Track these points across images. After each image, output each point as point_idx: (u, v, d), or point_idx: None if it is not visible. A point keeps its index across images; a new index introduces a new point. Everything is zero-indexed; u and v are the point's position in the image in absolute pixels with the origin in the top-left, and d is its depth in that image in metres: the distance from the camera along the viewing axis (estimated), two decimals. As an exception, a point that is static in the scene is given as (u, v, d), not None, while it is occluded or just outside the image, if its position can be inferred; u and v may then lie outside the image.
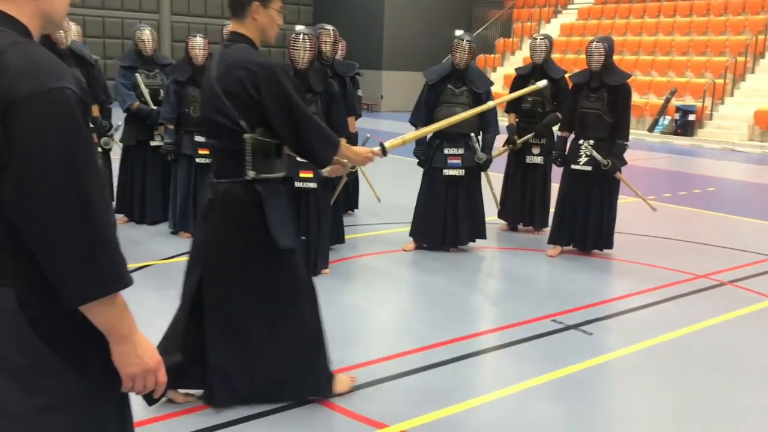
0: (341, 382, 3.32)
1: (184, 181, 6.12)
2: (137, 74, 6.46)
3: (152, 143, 6.50)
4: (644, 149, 14.65)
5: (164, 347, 2.99)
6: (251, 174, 2.96)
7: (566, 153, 5.95)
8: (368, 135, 6.50)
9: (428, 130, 4.28)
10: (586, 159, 5.75)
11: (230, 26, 3.06)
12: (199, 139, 6.09)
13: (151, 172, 6.56)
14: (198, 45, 6.09)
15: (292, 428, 3.06)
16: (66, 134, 1.36)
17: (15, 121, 1.33)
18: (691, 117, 16.13)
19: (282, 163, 3.12)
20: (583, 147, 5.78)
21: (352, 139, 5.60)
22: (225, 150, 2.99)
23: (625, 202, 7.20)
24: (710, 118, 16.34)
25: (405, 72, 20.74)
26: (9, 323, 1.43)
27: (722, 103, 16.55)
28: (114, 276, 1.43)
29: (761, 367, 3.90)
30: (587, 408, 3.42)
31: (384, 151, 3.32)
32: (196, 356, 3.07)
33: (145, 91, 6.41)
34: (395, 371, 3.66)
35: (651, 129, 16.68)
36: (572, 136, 5.98)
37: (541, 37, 6.56)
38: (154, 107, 6.37)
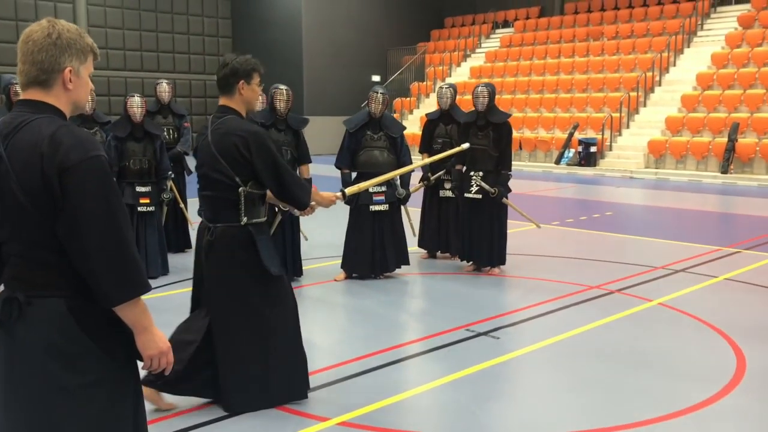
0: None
1: (128, 228, 6.59)
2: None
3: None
4: (552, 180, 15.84)
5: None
6: (245, 219, 3.67)
7: (461, 183, 6.90)
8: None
9: (384, 178, 4.96)
10: (477, 188, 6.69)
11: (220, 101, 3.74)
12: (139, 189, 6.64)
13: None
14: (136, 103, 6.65)
15: (250, 428, 3.63)
16: (103, 187, 1.97)
17: (69, 180, 1.92)
18: (593, 149, 17.49)
19: (265, 209, 3.83)
20: (473, 178, 6.68)
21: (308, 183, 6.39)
22: (221, 199, 3.67)
23: (528, 228, 8.08)
24: (610, 148, 17.76)
25: (327, 117, 21.55)
26: (61, 323, 2.01)
27: (620, 134, 18.02)
28: (138, 284, 2.03)
29: (642, 356, 4.71)
30: (493, 393, 4.14)
31: (344, 196, 4.06)
32: (194, 368, 3.67)
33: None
34: (335, 377, 4.29)
35: (557, 161, 17.97)
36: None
37: (446, 86, 7.43)
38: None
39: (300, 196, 3.71)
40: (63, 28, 2.01)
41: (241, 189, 3.63)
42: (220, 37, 24.49)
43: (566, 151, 17.98)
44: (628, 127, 18.16)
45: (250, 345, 3.74)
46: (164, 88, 8.16)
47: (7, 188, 1.94)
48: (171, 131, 8.12)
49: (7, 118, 2.01)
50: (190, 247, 7.90)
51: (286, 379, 3.84)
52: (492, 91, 6.71)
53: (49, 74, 2.00)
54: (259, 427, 3.64)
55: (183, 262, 7.29)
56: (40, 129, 1.94)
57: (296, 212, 4.16)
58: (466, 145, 5.74)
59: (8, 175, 1.92)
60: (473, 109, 6.85)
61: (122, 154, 6.64)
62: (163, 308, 5.69)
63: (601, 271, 7.01)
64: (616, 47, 20.54)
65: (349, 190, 4.14)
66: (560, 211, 11.21)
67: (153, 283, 6.46)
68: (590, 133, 18.11)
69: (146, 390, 3.48)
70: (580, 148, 17.63)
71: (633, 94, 18.27)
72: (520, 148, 18.82)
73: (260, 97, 3.74)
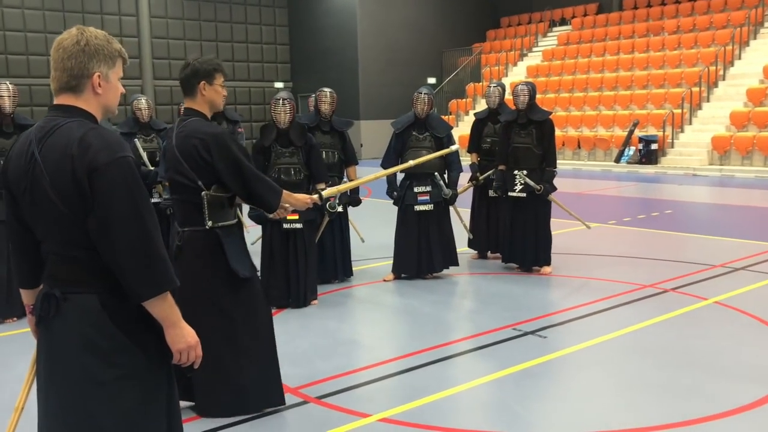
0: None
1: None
2: (135, 140, 7.18)
3: (152, 200, 7.17)
4: (611, 179, 15.52)
5: None
6: (209, 223, 3.61)
7: (504, 183, 6.83)
8: (346, 179, 7.22)
9: (361, 181, 4.61)
10: (521, 186, 6.63)
11: (184, 103, 3.70)
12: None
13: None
14: (190, 110, 6.84)
15: (296, 424, 3.70)
16: (130, 188, 2.05)
17: (97, 180, 2.00)
18: (654, 146, 17.07)
19: (234, 211, 3.75)
20: (517, 176, 6.62)
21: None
22: (187, 203, 3.62)
23: (579, 228, 7.96)
24: (672, 146, 17.29)
25: (382, 120, 21.63)
26: (95, 319, 2.10)
27: (682, 131, 17.53)
28: (166, 280, 2.11)
29: (694, 355, 4.59)
30: (538, 392, 4.10)
31: (321, 198, 3.92)
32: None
33: (144, 155, 7.12)
34: (378, 375, 4.33)
35: (617, 160, 17.60)
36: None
37: (495, 84, 7.40)
38: (152, 168, 7.08)
39: (267, 198, 3.58)
40: (91, 35, 2.11)
41: (204, 193, 3.55)
42: (277, 45, 24.92)
43: (626, 149, 17.60)
44: (690, 123, 17.65)
45: (221, 348, 3.63)
46: (218, 95, 8.36)
47: (41, 189, 2.04)
48: (225, 137, 8.30)
49: (41, 123, 2.12)
50: (244, 249, 8.06)
51: (262, 384, 3.76)
52: (532, 89, 6.67)
53: (78, 80, 2.10)
54: (300, 422, 3.70)
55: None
56: (71, 132, 2.03)
57: (270, 215, 3.97)
58: (455, 147, 5.69)
59: (42, 177, 2.03)
60: (513, 108, 6.82)
61: (177, 159, 6.83)
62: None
63: (655, 270, 6.85)
64: (678, 42, 20.00)
65: (326, 192, 3.95)
66: (618, 210, 10.98)
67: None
68: (651, 131, 17.67)
69: None
70: (640, 146, 17.23)
71: (695, 89, 17.74)
72: (579, 147, 18.51)
73: (224, 98, 3.66)
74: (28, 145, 2.08)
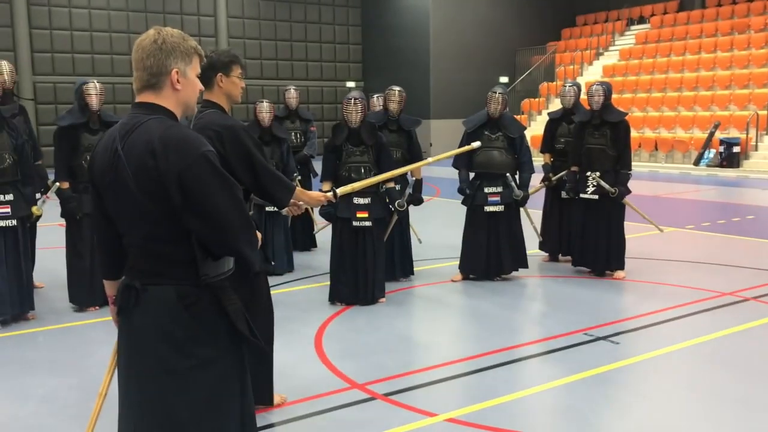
0: (278, 396, 3.92)
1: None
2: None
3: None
4: (690, 182, 15.01)
5: None
6: None
7: (576, 184, 6.70)
8: (410, 180, 7.20)
9: (375, 180, 4.47)
10: (594, 188, 6.50)
11: (203, 95, 3.61)
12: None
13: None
14: (264, 109, 7.00)
15: (362, 421, 3.74)
16: (220, 178, 2.13)
17: (188, 178, 2.07)
18: (736, 149, 16.41)
19: (250, 204, 3.68)
20: (590, 178, 6.49)
21: (419, 184, 6.46)
22: None
23: (654, 233, 7.73)
24: (756, 148, 16.59)
25: (452, 120, 21.55)
26: (171, 309, 2.18)
27: (767, 133, 16.79)
28: (256, 241, 2.26)
29: (770, 365, 4.41)
30: (608, 398, 4.01)
31: (335, 196, 3.84)
32: None
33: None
34: (445, 375, 4.32)
35: (696, 162, 17.01)
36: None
37: (570, 84, 7.27)
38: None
39: (278, 194, 3.46)
40: (167, 33, 2.20)
41: None
42: (350, 45, 25.14)
43: (706, 152, 16.98)
44: (776, 125, 16.90)
45: None
46: (292, 94, 8.53)
47: (124, 185, 2.13)
48: (298, 135, 8.46)
49: (124, 120, 2.22)
50: (315, 246, 8.19)
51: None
52: (608, 90, 6.52)
53: (158, 77, 2.18)
54: (367, 419, 3.73)
55: (308, 261, 7.59)
56: (152, 129, 2.12)
57: (284, 211, 3.91)
58: (476, 144, 5.49)
59: (125, 172, 2.12)
60: (589, 108, 6.67)
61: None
62: (289, 302, 5.99)
63: (735, 277, 6.59)
64: (765, 40, 19.16)
65: (341, 191, 3.84)
66: (696, 215, 10.61)
67: (279, 279, 6.79)
68: (733, 133, 17.00)
69: None
70: (721, 149, 16.60)
71: (783, 89, 16.98)
72: (656, 149, 17.97)
73: (241, 89, 3.58)
74: (112, 141, 2.17)
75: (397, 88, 6.63)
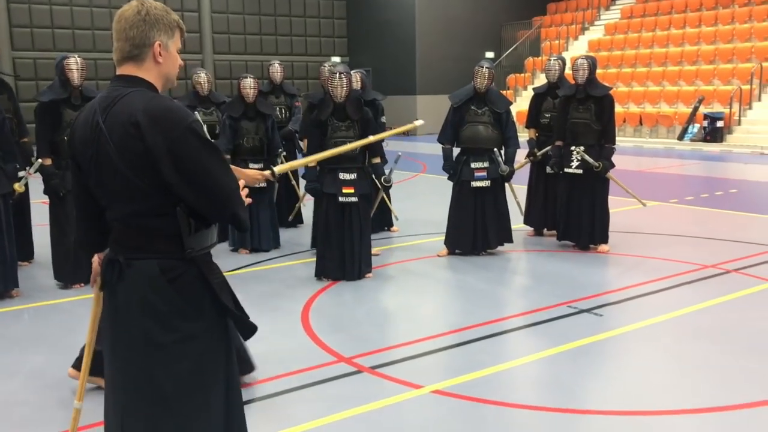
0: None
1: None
2: (196, 112, 7.32)
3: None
4: (674, 157, 15.10)
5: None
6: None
7: (561, 159, 6.72)
8: (399, 153, 7.20)
9: (313, 159, 4.40)
10: (578, 163, 6.53)
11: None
12: (252, 166, 6.92)
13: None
14: (249, 84, 6.94)
15: (349, 393, 3.77)
16: (203, 147, 2.12)
17: (178, 147, 2.06)
18: (720, 123, 16.50)
19: None
20: (575, 152, 6.51)
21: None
22: None
23: (637, 207, 7.79)
24: (739, 123, 16.69)
25: (439, 95, 21.47)
26: (155, 283, 2.16)
27: (750, 108, 16.89)
28: (243, 201, 2.24)
29: (756, 338, 4.47)
30: (593, 370, 4.07)
31: (273, 174, 3.84)
32: None
33: (204, 127, 7.25)
34: (431, 348, 4.36)
35: (680, 137, 17.09)
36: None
37: (555, 58, 7.26)
38: (212, 141, 7.21)
39: None
40: (151, 6, 2.17)
41: None
42: (335, 19, 24.90)
43: (690, 127, 17.07)
44: (759, 100, 16.99)
45: None
46: (277, 69, 8.46)
47: (106, 158, 2.11)
48: (283, 110, 8.42)
49: (104, 93, 2.19)
50: (301, 222, 8.19)
51: None
52: (592, 64, 6.52)
53: (140, 49, 2.16)
54: (354, 391, 3.76)
55: (294, 237, 7.58)
56: (134, 101, 2.09)
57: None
58: (419, 122, 5.43)
59: (108, 145, 2.09)
60: (573, 82, 6.68)
61: (236, 132, 6.96)
62: (275, 278, 5.99)
63: (718, 250, 6.67)
64: (749, 14, 19.19)
65: (278, 169, 3.82)
66: (680, 189, 10.70)
67: (265, 255, 6.78)
68: (717, 107, 17.08)
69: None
70: (705, 123, 16.69)
71: (766, 64, 17.03)
72: (641, 124, 18.03)
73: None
74: (92, 114, 2.14)
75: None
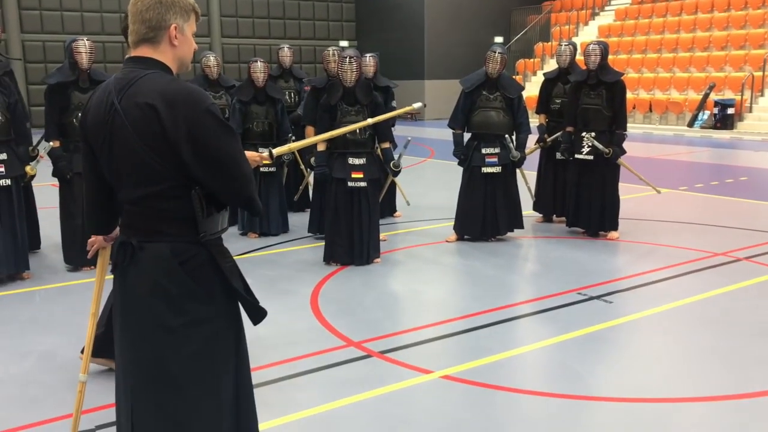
0: None
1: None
2: (206, 96, 7.29)
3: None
4: (684, 144, 15.02)
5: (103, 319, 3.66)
6: None
7: (572, 145, 6.68)
8: (409, 138, 7.17)
9: (312, 140, 4.38)
10: (588, 149, 6.49)
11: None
12: (262, 150, 6.91)
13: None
14: (258, 69, 6.92)
15: (359, 378, 3.79)
16: (221, 129, 2.11)
17: (197, 130, 2.06)
18: (730, 111, 16.38)
19: None
20: (585, 138, 6.48)
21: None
22: None
23: (648, 193, 7.76)
24: (750, 110, 16.56)
25: (447, 80, 21.38)
26: (166, 266, 2.16)
27: (762, 95, 16.75)
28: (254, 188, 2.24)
29: (766, 326, 4.46)
30: (601, 356, 4.07)
31: (271, 156, 3.81)
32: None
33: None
34: (440, 333, 4.37)
35: (690, 124, 16.98)
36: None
37: (566, 43, 7.20)
38: (229, 124, 7.20)
39: None
40: None
41: None
42: (343, 3, 24.78)
43: (700, 114, 16.95)
44: (772, 86, 16.85)
45: None
46: (286, 53, 8.43)
47: (122, 140, 2.10)
48: (292, 95, 8.39)
49: (119, 74, 2.18)
50: (310, 207, 8.18)
51: None
52: (604, 49, 6.47)
53: (156, 31, 2.15)
54: (363, 376, 3.78)
55: (302, 221, 7.58)
56: (152, 84, 2.09)
57: None
58: (418, 104, 5.39)
59: (124, 128, 2.08)
60: (585, 68, 6.64)
61: (246, 116, 6.95)
62: (284, 263, 6.00)
63: (727, 238, 6.64)
64: (762, 0, 18.98)
65: (277, 151, 3.81)
66: (690, 176, 10.64)
67: (273, 240, 6.80)
68: (728, 94, 16.95)
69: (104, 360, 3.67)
70: (715, 110, 16.57)
71: (779, 50, 16.89)
72: (650, 110, 17.92)
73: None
74: (107, 95, 2.13)
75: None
